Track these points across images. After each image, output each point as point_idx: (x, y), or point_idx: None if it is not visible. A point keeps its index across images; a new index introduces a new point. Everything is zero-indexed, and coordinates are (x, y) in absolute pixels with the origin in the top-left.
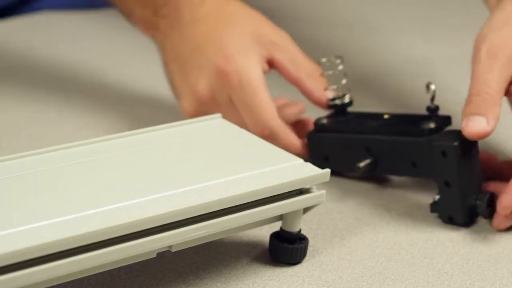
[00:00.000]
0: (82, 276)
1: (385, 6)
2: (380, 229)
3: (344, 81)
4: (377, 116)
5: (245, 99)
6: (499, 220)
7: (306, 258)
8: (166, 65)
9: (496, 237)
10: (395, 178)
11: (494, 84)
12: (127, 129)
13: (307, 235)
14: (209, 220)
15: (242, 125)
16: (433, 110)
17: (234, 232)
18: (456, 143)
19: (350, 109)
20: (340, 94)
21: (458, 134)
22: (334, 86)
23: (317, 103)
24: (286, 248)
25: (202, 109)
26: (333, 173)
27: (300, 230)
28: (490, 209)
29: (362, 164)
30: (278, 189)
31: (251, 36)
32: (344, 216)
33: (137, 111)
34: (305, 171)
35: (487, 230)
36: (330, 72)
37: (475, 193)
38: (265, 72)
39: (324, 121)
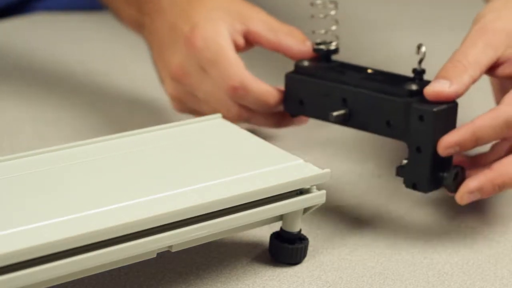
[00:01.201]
0: (82, 276)
1: (384, 4)
2: (380, 229)
3: (333, 27)
4: (361, 69)
5: (211, 57)
6: (461, 194)
7: (306, 258)
8: (152, 57)
9: (496, 237)
10: (395, 178)
11: (472, 56)
12: (127, 130)
13: (307, 235)
14: (209, 220)
15: (213, 90)
16: (419, 73)
17: (234, 232)
18: (435, 109)
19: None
20: (328, 40)
21: (441, 102)
22: (322, 31)
23: (298, 55)
24: (286, 248)
25: (179, 87)
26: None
27: (300, 230)
28: (456, 183)
29: (335, 114)
30: (278, 189)
31: (222, 10)
32: (344, 216)
33: (137, 111)
34: (305, 171)
35: (487, 231)
36: (322, 16)
37: (444, 164)
38: (241, 46)
39: (306, 63)
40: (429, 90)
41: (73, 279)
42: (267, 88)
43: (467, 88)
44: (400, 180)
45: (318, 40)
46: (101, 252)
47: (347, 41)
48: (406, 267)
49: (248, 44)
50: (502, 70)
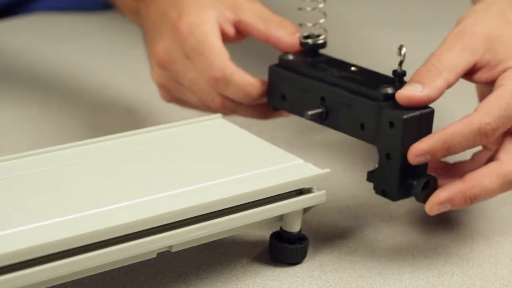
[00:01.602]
0: (82, 276)
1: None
2: (380, 229)
3: (322, 20)
4: (345, 66)
5: (195, 46)
6: (431, 204)
7: (306, 258)
8: (144, 44)
9: (496, 237)
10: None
11: (447, 60)
12: (127, 129)
13: (307, 235)
14: (209, 220)
15: (197, 79)
16: (399, 75)
17: (234, 232)
18: (405, 116)
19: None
20: (315, 33)
21: (415, 108)
22: (310, 24)
23: (287, 47)
24: (286, 248)
25: (165, 74)
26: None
27: (300, 230)
28: (427, 192)
29: (311, 112)
30: (278, 189)
31: None
32: (344, 216)
33: (137, 111)
34: (305, 171)
35: (488, 231)
36: (309, 8)
37: (416, 172)
38: (231, 36)
39: (290, 57)
40: (400, 94)
41: (73, 279)
42: (249, 80)
43: (441, 93)
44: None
45: (306, 34)
46: (101, 252)
47: (348, 39)
48: (406, 267)
49: (240, 34)
50: (480, 76)
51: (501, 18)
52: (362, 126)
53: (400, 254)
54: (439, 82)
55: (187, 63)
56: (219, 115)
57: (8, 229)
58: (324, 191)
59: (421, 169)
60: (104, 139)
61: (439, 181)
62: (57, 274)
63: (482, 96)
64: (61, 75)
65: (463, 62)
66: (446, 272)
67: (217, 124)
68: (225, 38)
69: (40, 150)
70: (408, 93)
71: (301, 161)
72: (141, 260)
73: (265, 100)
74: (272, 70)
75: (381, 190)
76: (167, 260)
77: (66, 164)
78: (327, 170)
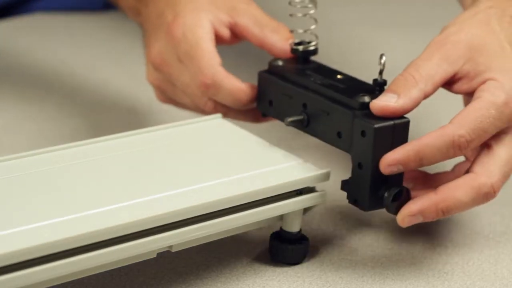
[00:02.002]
0: (82, 276)
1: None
2: (380, 229)
3: (313, 27)
4: (331, 74)
5: (187, 49)
6: (402, 216)
7: (306, 258)
8: (143, 44)
9: (496, 237)
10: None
11: (425, 70)
12: (127, 129)
13: (307, 235)
14: (209, 220)
15: (190, 83)
16: (379, 84)
17: (234, 232)
18: (377, 125)
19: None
20: (306, 40)
21: (390, 118)
22: (301, 30)
23: (280, 53)
24: (286, 248)
25: (159, 76)
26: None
27: (300, 230)
28: (399, 204)
29: (291, 119)
30: (278, 189)
31: (210, 1)
32: (344, 216)
33: (137, 111)
34: (305, 171)
35: (487, 231)
36: (300, 15)
37: (390, 183)
38: (226, 39)
39: (280, 63)
40: (374, 104)
41: (73, 279)
42: (239, 85)
43: (416, 104)
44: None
45: (297, 40)
46: (101, 252)
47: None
48: (406, 267)
49: (235, 37)
50: (460, 86)
51: (486, 28)
52: (339, 135)
53: (400, 254)
54: (415, 93)
55: (180, 66)
56: (219, 115)
57: (8, 229)
58: (324, 191)
59: (395, 179)
60: (104, 139)
61: (416, 192)
62: (57, 274)
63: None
64: (61, 75)
65: (442, 72)
66: (446, 272)
67: (217, 124)
68: (220, 40)
69: (40, 150)
70: (382, 103)
71: (301, 161)
72: (141, 260)
73: (255, 105)
74: (261, 76)
75: (353, 200)
76: (167, 260)
77: (66, 164)
78: (327, 170)
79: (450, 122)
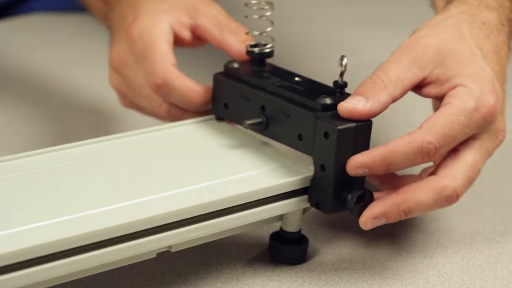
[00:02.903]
0: (82, 276)
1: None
2: (380, 229)
3: (269, 29)
4: (289, 76)
5: (142, 50)
6: (365, 219)
7: (306, 258)
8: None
9: (496, 237)
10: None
11: (394, 73)
12: (126, 130)
13: (307, 235)
14: (209, 220)
15: (145, 84)
16: (340, 86)
17: (234, 232)
18: (340, 127)
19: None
20: (262, 42)
21: (352, 120)
22: (256, 32)
23: (236, 55)
24: (286, 248)
25: (119, 78)
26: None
27: (300, 230)
28: (362, 206)
29: (249, 122)
30: (277, 189)
31: (171, 2)
32: (344, 216)
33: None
34: (304, 171)
35: (487, 231)
36: (256, 17)
37: (352, 185)
38: (187, 41)
39: (235, 65)
40: (342, 107)
41: (73, 279)
42: (192, 86)
43: (384, 107)
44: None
45: (253, 42)
46: (101, 252)
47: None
48: (406, 267)
49: (197, 39)
50: (429, 91)
51: (456, 33)
52: (300, 137)
53: (400, 254)
54: (383, 97)
55: (136, 67)
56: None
57: (8, 229)
58: None
59: (358, 182)
60: (103, 139)
61: (379, 193)
62: (57, 274)
63: (436, 110)
64: (61, 75)
65: (411, 76)
66: (446, 272)
67: (216, 124)
68: (181, 43)
69: (40, 150)
70: (349, 106)
71: (300, 160)
72: (141, 260)
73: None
74: (216, 78)
75: (315, 202)
76: (167, 260)
77: (66, 164)
78: None
79: (419, 128)
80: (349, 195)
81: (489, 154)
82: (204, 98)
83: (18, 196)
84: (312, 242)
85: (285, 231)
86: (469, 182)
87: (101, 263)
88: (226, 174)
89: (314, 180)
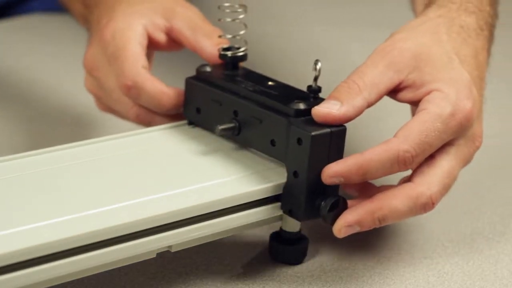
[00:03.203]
0: (82, 276)
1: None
2: (380, 229)
3: (242, 32)
4: (262, 80)
5: (113, 51)
6: (339, 227)
7: (306, 258)
8: None
9: (496, 237)
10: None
11: (369, 77)
12: (127, 130)
13: (307, 235)
14: (209, 220)
15: (115, 87)
16: (314, 91)
17: (234, 232)
18: (314, 133)
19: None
20: (235, 46)
21: (326, 125)
22: (229, 35)
23: (209, 58)
24: (286, 248)
25: (93, 81)
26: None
27: (300, 230)
28: (335, 214)
29: (221, 127)
30: (278, 189)
31: (147, 5)
32: None
33: None
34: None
35: (487, 231)
36: (229, 19)
37: (326, 193)
38: (162, 44)
39: (208, 69)
40: (316, 111)
41: (73, 279)
42: (162, 88)
43: (359, 112)
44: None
45: (225, 46)
46: (101, 252)
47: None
48: (406, 267)
49: (173, 42)
50: (404, 95)
51: (433, 37)
52: (273, 143)
53: (400, 254)
54: (358, 101)
55: (108, 70)
56: None
57: (8, 229)
58: None
59: (331, 189)
60: (104, 139)
61: (352, 201)
62: (57, 274)
63: (414, 114)
64: (61, 75)
65: (386, 80)
66: (446, 272)
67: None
68: (157, 45)
69: (40, 150)
70: (324, 110)
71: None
72: (141, 260)
73: (181, 110)
74: (188, 82)
75: (288, 210)
76: (167, 260)
77: (66, 164)
78: None
79: (395, 136)
80: (322, 203)
81: (465, 160)
82: (175, 101)
83: (18, 196)
84: (312, 242)
85: (285, 231)
86: (445, 189)
87: (101, 263)
88: (226, 174)
89: (287, 187)
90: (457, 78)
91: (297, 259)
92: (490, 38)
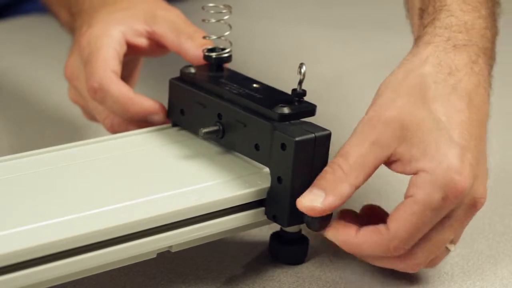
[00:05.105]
0: (82, 276)
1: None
2: None
3: (227, 33)
4: (247, 83)
5: (86, 57)
6: (332, 232)
7: (306, 258)
8: None
9: (496, 237)
10: (395, 178)
11: (354, 158)
12: (127, 129)
13: (307, 235)
14: (209, 220)
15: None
16: (298, 95)
17: (234, 233)
18: (298, 138)
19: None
20: (220, 47)
21: (312, 129)
22: (214, 36)
23: (193, 60)
24: (286, 248)
25: (73, 90)
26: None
27: (300, 230)
28: (320, 220)
29: (206, 130)
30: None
31: (127, 11)
32: None
33: None
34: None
35: (487, 231)
36: (213, 20)
37: None
38: (144, 48)
39: (192, 70)
40: (300, 204)
41: (73, 279)
42: (127, 93)
43: (345, 199)
44: (400, 180)
45: (210, 47)
46: (101, 252)
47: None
48: None
49: (157, 46)
50: (395, 168)
51: (419, 95)
52: (257, 147)
53: None
54: (344, 189)
55: (84, 77)
56: None
57: (8, 229)
58: None
59: None
60: (104, 139)
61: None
62: (57, 274)
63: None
64: (61, 75)
65: (373, 159)
66: (446, 272)
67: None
68: (139, 51)
69: (40, 150)
70: (307, 204)
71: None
72: (141, 260)
73: (154, 118)
74: (172, 84)
75: (272, 215)
76: (167, 260)
77: (66, 164)
78: None
79: (386, 227)
80: None
81: (463, 226)
82: (140, 109)
83: (18, 196)
84: (312, 242)
85: (285, 231)
86: (433, 263)
87: (101, 263)
88: (226, 174)
89: (271, 192)
90: (445, 150)
91: (297, 259)
92: (489, 63)
